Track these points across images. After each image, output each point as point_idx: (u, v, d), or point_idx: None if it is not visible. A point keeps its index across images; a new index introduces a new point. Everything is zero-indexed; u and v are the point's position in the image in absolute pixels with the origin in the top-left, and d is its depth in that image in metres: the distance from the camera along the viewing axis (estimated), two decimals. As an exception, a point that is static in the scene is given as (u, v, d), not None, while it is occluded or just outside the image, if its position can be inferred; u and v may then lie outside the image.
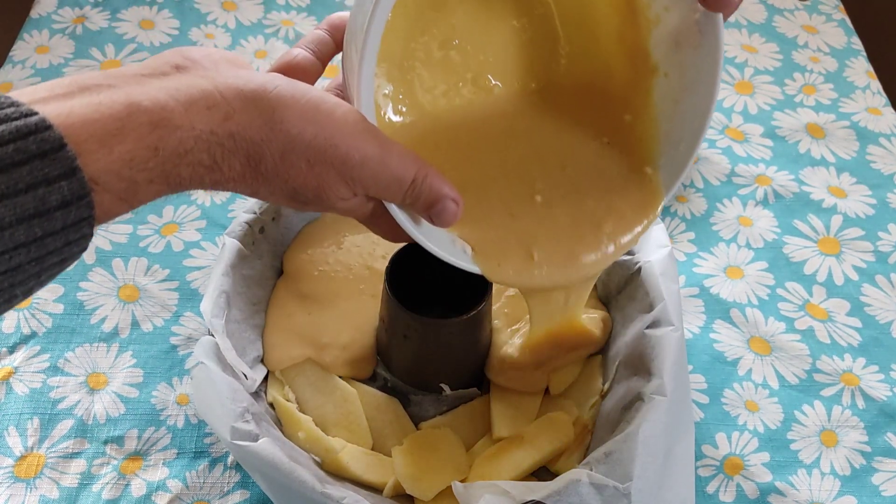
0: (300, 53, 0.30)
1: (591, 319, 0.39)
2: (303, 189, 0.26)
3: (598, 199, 0.33)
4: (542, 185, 0.33)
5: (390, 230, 0.29)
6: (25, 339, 0.43)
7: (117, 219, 0.48)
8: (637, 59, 0.32)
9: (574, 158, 0.33)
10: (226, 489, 0.38)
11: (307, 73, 0.30)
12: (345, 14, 0.31)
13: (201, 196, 0.50)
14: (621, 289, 0.41)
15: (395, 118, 0.33)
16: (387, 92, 0.33)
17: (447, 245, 0.30)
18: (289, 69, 0.30)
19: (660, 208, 0.33)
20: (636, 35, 0.32)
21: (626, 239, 0.32)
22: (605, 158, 0.33)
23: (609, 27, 0.33)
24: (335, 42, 0.31)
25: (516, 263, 0.31)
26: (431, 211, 0.27)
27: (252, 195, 0.26)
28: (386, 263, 0.37)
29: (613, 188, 0.33)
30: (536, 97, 0.35)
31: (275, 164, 0.25)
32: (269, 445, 0.33)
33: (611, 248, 0.32)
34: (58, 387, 0.41)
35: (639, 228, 0.33)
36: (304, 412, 0.38)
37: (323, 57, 0.31)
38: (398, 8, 0.29)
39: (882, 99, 0.59)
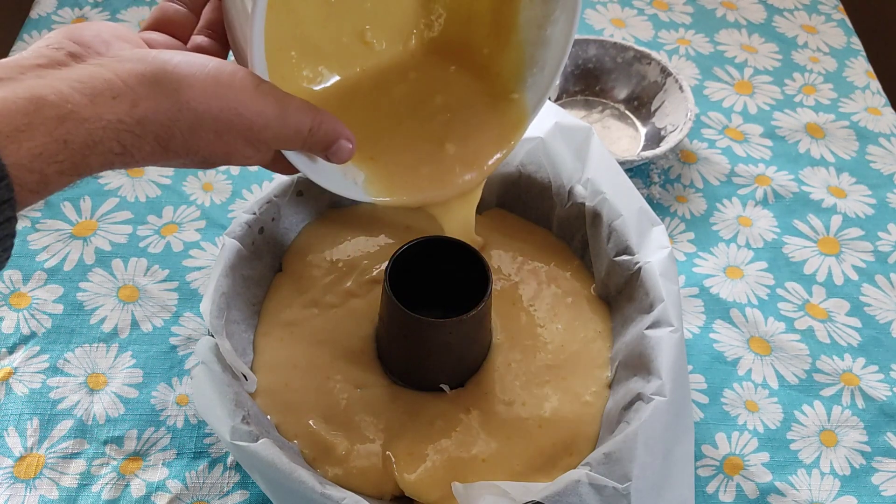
0: (171, 7, 0.31)
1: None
2: (212, 157, 0.27)
3: (470, 126, 0.37)
4: (423, 121, 0.37)
5: (286, 167, 0.31)
6: (25, 340, 0.43)
7: (117, 219, 0.48)
8: None
9: (450, 95, 0.38)
10: (225, 489, 0.38)
11: (182, 27, 0.31)
12: None
13: (201, 196, 0.50)
14: (621, 289, 0.41)
15: (300, 78, 0.36)
16: (292, 56, 0.35)
17: (339, 179, 0.33)
18: (162, 24, 0.30)
19: (527, 124, 0.37)
20: None
21: (496, 156, 0.37)
22: (477, 92, 0.38)
23: None
24: None
25: (400, 185, 0.35)
26: (328, 151, 0.29)
27: (162, 166, 0.28)
28: (386, 263, 0.37)
29: (483, 115, 0.37)
30: (422, 50, 0.39)
31: (184, 141, 0.26)
32: (268, 446, 0.33)
33: (480, 163, 0.37)
34: (57, 387, 0.41)
35: (504, 147, 0.37)
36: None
37: (195, 7, 0.31)
38: None
39: (881, 99, 0.59)
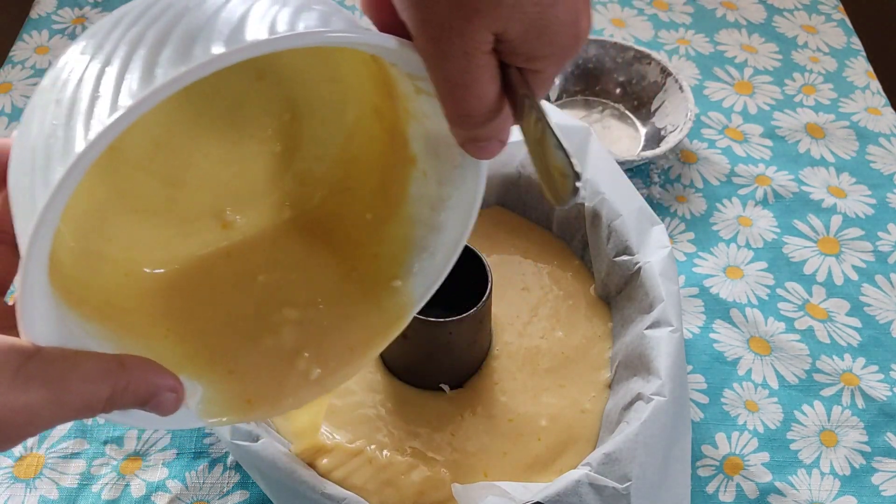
0: None
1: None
2: None
3: (332, 324, 0.29)
4: (273, 319, 0.29)
5: None
6: (25, 340, 0.43)
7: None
8: (396, 138, 0.28)
9: (311, 283, 0.30)
10: (225, 489, 0.38)
11: (4, 271, 0.24)
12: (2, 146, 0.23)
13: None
14: (621, 289, 0.41)
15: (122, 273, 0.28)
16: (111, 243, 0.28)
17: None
18: None
19: (407, 318, 0.29)
20: (394, 115, 0.27)
21: (363, 359, 0.29)
22: (346, 279, 0.30)
23: (366, 100, 0.29)
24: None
25: (242, 402, 0.28)
26: (146, 407, 0.23)
27: None
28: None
29: (351, 308, 0.30)
30: (289, 225, 0.31)
31: None
32: (269, 445, 0.33)
33: (338, 371, 0.29)
34: (57, 387, 0.41)
35: (376, 348, 0.29)
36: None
37: (5, 232, 0.23)
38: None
39: (881, 99, 0.59)
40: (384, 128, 0.28)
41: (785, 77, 0.60)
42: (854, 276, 0.48)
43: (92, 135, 0.18)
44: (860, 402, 0.43)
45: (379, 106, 0.28)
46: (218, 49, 0.19)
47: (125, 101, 0.18)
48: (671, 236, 0.50)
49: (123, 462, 0.39)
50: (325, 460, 0.36)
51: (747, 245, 0.50)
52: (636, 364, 0.37)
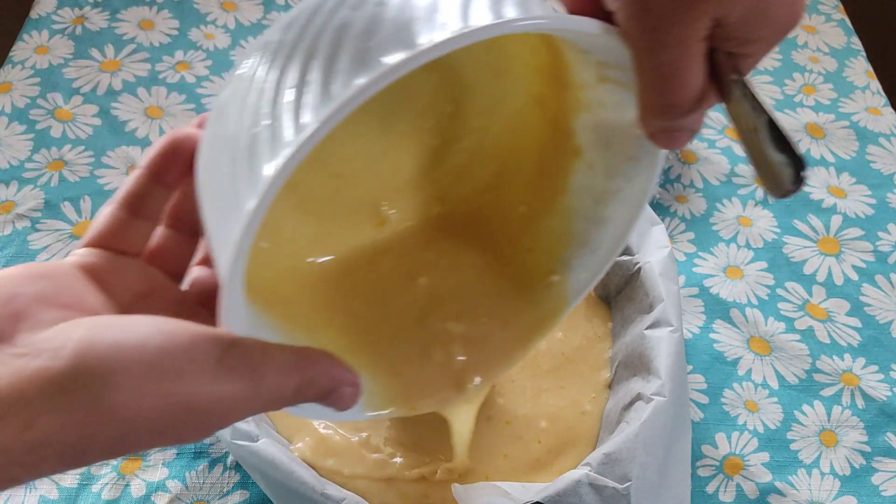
0: (165, 235, 0.24)
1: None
2: (149, 449, 0.21)
3: (489, 322, 0.29)
4: (431, 317, 0.29)
5: None
6: (25, 340, 0.43)
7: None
8: (559, 129, 0.27)
9: (471, 290, 0.30)
10: (225, 489, 0.38)
11: (178, 258, 0.24)
12: (187, 137, 0.23)
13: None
14: (621, 289, 0.41)
15: (297, 261, 0.28)
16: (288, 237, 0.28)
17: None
18: (157, 255, 0.24)
19: (563, 314, 0.29)
20: (561, 107, 0.27)
21: (517, 356, 0.29)
22: (503, 279, 0.29)
23: (528, 90, 0.28)
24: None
25: (401, 396, 0.28)
26: (325, 402, 0.23)
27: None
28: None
29: (506, 306, 0.29)
30: (439, 221, 0.31)
31: (104, 452, 0.19)
32: (269, 445, 0.33)
33: (495, 367, 0.29)
34: (57, 387, 0.41)
35: (531, 344, 0.29)
36: None
37: (193, 225, 0.24)
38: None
39: (882, 99, 0.59)
40: (546, 118, 0.28)
41: (785, 77, 0.60)
42: (854, 276, 0.48)
43: (280, 160, 0.18)
44: (860, 402, 0.43)
45: (542, 96, 0.27)
46: (407, 48, 0.18)
47: (308, 119, 0.18)
48: (671, 236, 0.50)
49: (123, 462, 0.39)
50: (327, 461, 0.36)
51: (747, 245, 0.50)
52: (636, 364, 0.37)
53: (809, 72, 0.61)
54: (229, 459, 0.39)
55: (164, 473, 0.39)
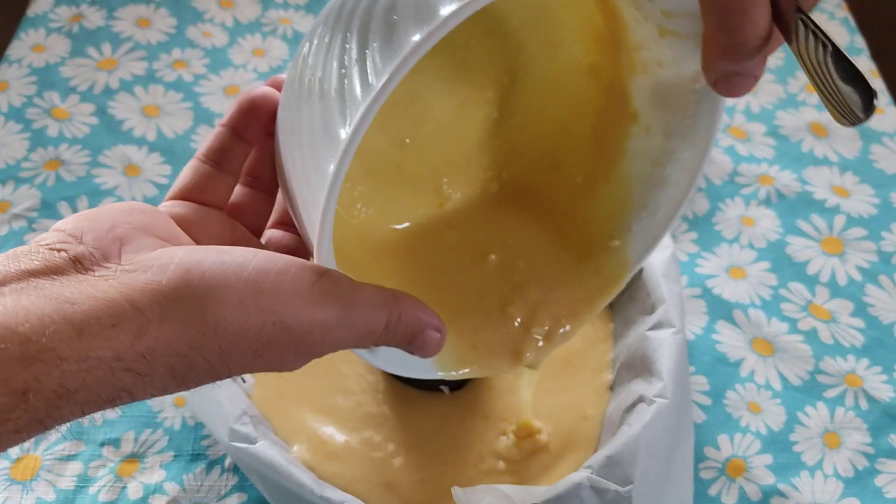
0: (243, 193, 0.26)
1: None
2: (249, 372, 0.22)
3: (554, 288, 0.30)
4: (499, 283, 0.30)
5: None
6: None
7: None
8: (614, 95, 0.27)
9: (533, 259, 0.30)
10: (223, 492, 0.38)
11: (256, 214, 0.26)
12: (264, 95, 0.25)
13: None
14: (623, 290, 0.40)
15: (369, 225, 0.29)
16: (357, 195, 0.29)
17: (406, 358, 0.25)
18: (236, 211, 0.26)
19: (625, 279, 0.29)
20: (616, 72, 0.27)
21: (583, 321, 0.30)
22: (564, 249, 0.30)
23: (583, 60, 0.28)
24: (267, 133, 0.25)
25: (472, 358, 0.29)
26: (411, 346, 0.23)
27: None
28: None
29: (570, 273, 0.30)
30: (498, 195, 0.31)
31: (210, 368, 0.20)
32: (267, 447, 0.33)
33: (560, 333, 0.30)
34: (54, 388, 0.41)
35: (595, 309, 0.30)
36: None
37: (269, 184, 0.26)
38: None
39: (885, 98, 0.59)
40: (601, 87, 0.28)
41: (788, 75, 0.60)
42: (858, 277, 0.48)
43: (354, 122, 0.19)
44: (863, 404, 0.42)
45: (598, 64, 0.28)
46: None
47: (373, 79, 0.19)
48: (673, 236, 0.49)
49: (120, 464, 0.39)
50: (326, 463, 0.36)
51: (750, 245, 0.49)
52: (638, 366, 0.36)
53: (812, 70, 0.60)
54: (227, 462, 0.39)
55: (162, 475, 0.38)
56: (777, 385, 0.43)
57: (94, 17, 0.59)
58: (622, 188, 0.28)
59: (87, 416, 0.19)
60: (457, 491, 0.32)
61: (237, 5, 0.61)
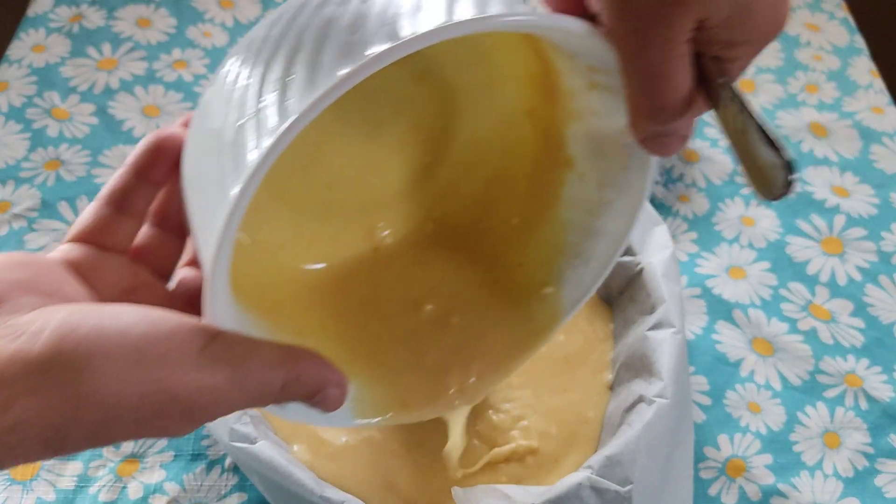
0: (151, 234, 0.24)
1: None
2: (135, 439, 0.21)
3: (479, 334, 0.29)
4: (421, 328, 0.29)
5: None
6: (22, 341, 0.42)
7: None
8: (550, 140, 0.27)
9: (463, 303, 0.30)
10: (223, 492, 0.38)
11: (165, 256, 0.24)
12: (172, 136, 0.24)
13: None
14: (622, 290, 0.40)
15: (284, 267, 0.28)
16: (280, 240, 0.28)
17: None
18: (143, 253, 0.24)
19: (555, 330, 0.29)
20: (552, 117, 0.26)
21: (497, 374, 0.29)
22: (496, 294, 0.29)
23: (519, 101, 0.28)
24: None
25: (390, 405, 0.28)
26: (311, 402, 0.22)
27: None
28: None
29: (498, 319, 0.29)
30: (433, 236, 0.31)
31: (89, 436, 0.19)
32: (267, 447, 0.33)
33: (468, 391, 0.29)
34: (54, 388, 0.41)
35: (525, 357, 0.29)
36: None
37: (179, 225, 0.24)
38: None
39: (885, 98, 0.59)
40: (537, 130, 0.28)
41: (787, 75, 0.60)
42: (857, 277, 0.48)
43: (264, 146, 0.18)
44: (863, 404, 0.42)
45: (533, 108, 0.27)
46: (391, 40, 0.18)
47: (294, 108, 0.18)
48: (673, 236, 0.49)
49: (121, 464, 0.39)
50: (327, 463, 0.36)
51: (750, 245, 0.49)
52: (638, 366, 0.36)
53: (812, 70, 0.60)
54: (227, 461, 0.39)
55: (162, 475, 0.38)
56: (777, 385, 0.43)
57: (94, 17, 0.59)
58: (557, 235, 0.28)
59: None
60: (457, 491, 0.32)
61: (237, 5, 0.61)
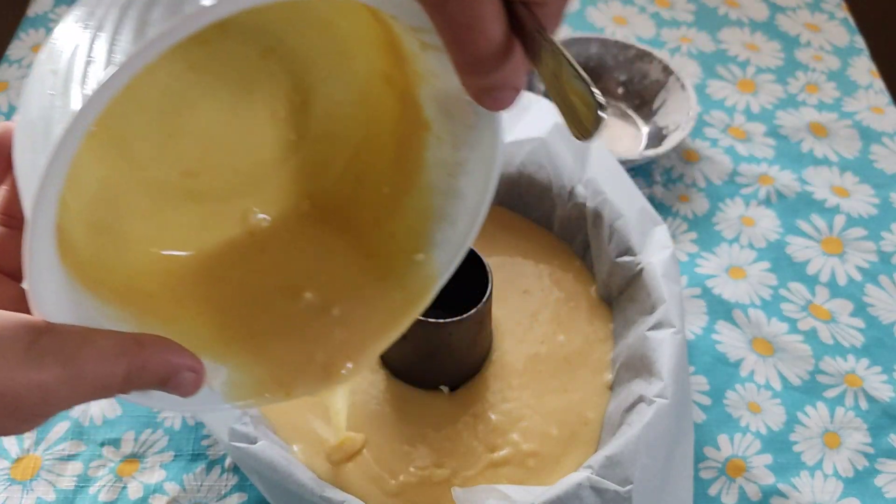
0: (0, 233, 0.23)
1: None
2: None
3: (355, 305, 0.29)
4: (297, 303, 0.29)
5: None
6: (22, 340, 0.43)
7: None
8: (408, 104, 0.27)
9: (340, 281, 0.30)
10: (223, 492, 0.38)
11: (15, 254, 0.23)
12: (6, 129, 0.23)
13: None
14: (623, 290, 0.40)
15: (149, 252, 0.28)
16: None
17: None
18: None
19: (433, 292, 0.29)
20: (405, 82, 0.26)
21: (389, 337, 0.29)
22: (371, 267, 0.29)
23: (375, 67, 0.27)
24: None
25: (272, 382, 0.28)
26: (166, 388, 0.22)
27: None
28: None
29: (372, 289, 0.29)
30: (308, 217, 0.31)
31: None
32: (267, 447, 0.33)
33: (365, 350, 0.29)
34: (54, 388, 0.41)
35: (401, 324, 0.29)
36: None
37: (15, 217, 0.23)
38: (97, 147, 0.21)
39: (885, 98, 0.59)
40: (396, 95, 0.27)
41: (788, 76, 0.60)
42: (857, 277, 0.48)
43: (88, 91, 0.17)
44: (863, 404, 0.42)
45: (388, 73, 0.27)
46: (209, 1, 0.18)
47: (119, 60, 0.18)
48: (673, 236, 0.49)
49: (120, 464, 0.39)
50: (327, 463, 0.36)
51: (750, 245, 0.49)
52: (638, 366, 0.36)
53: (812, 70, 0.60)
54: (227, 461, 0.39)
55: (162, 475, 0.38)
56: (777, 385, 0.43)
57: (95, 17, 0.59)
58: (424, 200, 0.28)
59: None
60: (457, 491, 0.32)
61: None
